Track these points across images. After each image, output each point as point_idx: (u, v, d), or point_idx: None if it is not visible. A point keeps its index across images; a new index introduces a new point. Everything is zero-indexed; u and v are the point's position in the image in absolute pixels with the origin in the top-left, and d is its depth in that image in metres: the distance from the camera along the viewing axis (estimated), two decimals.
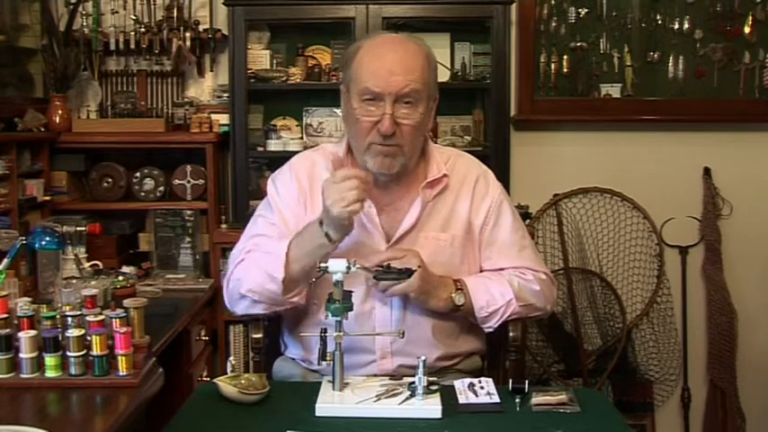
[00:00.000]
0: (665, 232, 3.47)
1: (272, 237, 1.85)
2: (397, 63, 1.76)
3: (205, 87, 3.34)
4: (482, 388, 1.65)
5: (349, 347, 1.68)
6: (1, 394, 1.60)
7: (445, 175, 1.88)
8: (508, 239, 1.92)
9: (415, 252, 1.80)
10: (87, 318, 1.69)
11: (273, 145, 3.19)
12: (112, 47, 3.20)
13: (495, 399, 1.61)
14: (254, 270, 1.80)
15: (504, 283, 1.87)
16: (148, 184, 3.20)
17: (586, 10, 3.37)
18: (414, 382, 1.59)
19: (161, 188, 3.20)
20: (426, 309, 1.82)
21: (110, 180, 3.21)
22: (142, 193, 3.20)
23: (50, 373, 1.64)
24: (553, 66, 3.39)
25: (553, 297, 1.97)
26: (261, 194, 2.38)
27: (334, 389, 1.63)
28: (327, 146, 1.99)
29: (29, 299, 1.86)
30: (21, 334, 1.65)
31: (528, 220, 3.28)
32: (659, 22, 3.37)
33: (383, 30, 3.01)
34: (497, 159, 3.09)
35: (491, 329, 1.88)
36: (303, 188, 1.89)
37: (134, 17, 3.20)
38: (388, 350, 1.81)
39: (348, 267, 1.64)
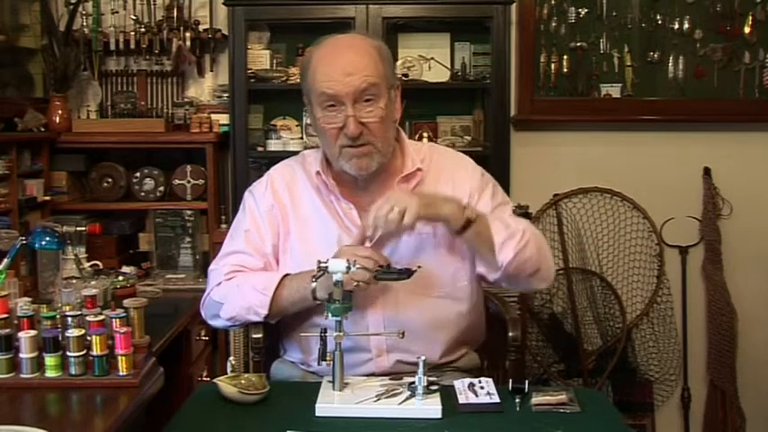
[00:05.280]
0: (665, 232, 3.47)
1: (252, 254, 1.88)
2: (349, 63, 1.76)
3: (205, 87, 3.35)
4: (482, 388, 1.65)
5: (345, 347, 1.68)
6: (1, 394, 1.60)
7: (419, 170, 1.88)
8: (497, 209, 1.90)
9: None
10: (87, 318, 1.69)
11: (273, 145, 3.20)
12: (112, 47, 3.20)
13: (495, 399, 1.61)
14: (239, 300, 1.84)
15: (517, 219, 1.89)
16: (148, 184, 3.20)
17: (586, 10, 3.37)
18: (413, 382, 1.59)
19: (161, 188, 3.20)
20: (440, 218, 1.75)
21: (110, 180, 3.21)
22: (142, 193, 3.20)
23: (50, 373, 1.64)
24: (553, 66, 3.38)
25: (553, 271, 1.92)
26: None
27: (334, 389, 1.63)
28: (308, 154, 1.98)
29: (29, 299, 1.86)
30: (21, 334, 1.65)
31: (528, 221, 3.28)
32: (659, 22, 3.37)
33: (383, 29, 3.02)
34: (497, 159, 3.09)
35: (507, 259, 1.78)
36: (280, 200, 1.90)
37: (134, 17, 3.20)
38: (384, 347, 1.81)
39: (348, 267, 1.63)
